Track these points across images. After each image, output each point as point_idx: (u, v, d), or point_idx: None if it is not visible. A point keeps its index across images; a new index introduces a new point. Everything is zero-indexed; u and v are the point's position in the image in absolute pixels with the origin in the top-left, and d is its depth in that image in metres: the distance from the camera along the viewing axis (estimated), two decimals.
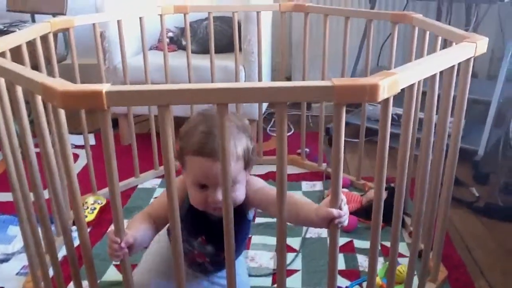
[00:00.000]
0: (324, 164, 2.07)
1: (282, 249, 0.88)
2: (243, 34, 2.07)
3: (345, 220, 0.86)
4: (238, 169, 1.00)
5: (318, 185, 1.96)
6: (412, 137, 1.34)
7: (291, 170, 2.09)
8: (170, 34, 2.44)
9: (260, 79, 2.01)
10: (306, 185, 1.97)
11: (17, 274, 1.45)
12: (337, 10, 1.81)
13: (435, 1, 2.27)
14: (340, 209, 0.85)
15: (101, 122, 0.78)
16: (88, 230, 1.41)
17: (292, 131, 2.55)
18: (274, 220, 1.65)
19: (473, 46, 1.05)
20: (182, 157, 1.02)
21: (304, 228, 1.63)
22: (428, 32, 1.41)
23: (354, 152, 2.14)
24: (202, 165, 0.97)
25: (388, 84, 0.78)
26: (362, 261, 1.48)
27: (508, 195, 1.81)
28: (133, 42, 2.11)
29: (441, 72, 0.98)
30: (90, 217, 1.67)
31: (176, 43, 2.46)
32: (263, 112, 2.20)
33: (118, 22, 1.70)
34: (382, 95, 0.77)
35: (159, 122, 0.79)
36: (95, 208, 1.71)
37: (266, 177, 1.99)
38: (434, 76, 0.98)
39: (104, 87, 0.75)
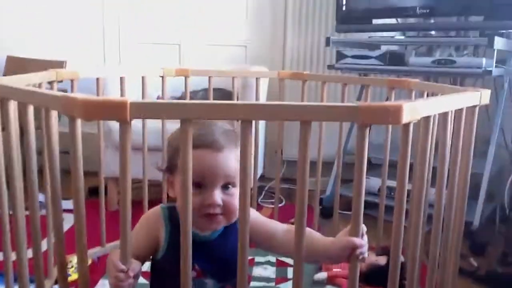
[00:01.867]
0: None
1: None
2: (240, 100, 2.12)
3: (366, 251, 0.82)
4: (238, 164, 0.88)
5: None
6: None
7: None
8: None
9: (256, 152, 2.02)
10: None
11: None
12: (335, 77, 1.88)
13: (422, 76, 2.38)
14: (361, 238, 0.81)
15: (122, 135, 0.76)
16: None
17: (283, 203, 2.52)
18: (271, 284, 1.59)
19: (477, 95, 1.09)
20: (173, 162, 0.92)
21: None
22: (426, 93, 1.46)
23: (348, 224, 2.11)
24: (200, 158, 0.86)
25: (410, 108, 0.79)
26: None
27: (507, 265, 1.77)
28: None
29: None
30: (74, 276, 1.57)
31: None
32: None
33: (121, 79, 1.73)
34: (405, 118, 0.78)
35: (179, 137, 0.76)
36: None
37: None
38: (446, 114, 1.00)
39: (128, 98, 0.74)
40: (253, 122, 0.78)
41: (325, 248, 0.88)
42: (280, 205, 2.42)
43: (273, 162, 2.63)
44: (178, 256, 0.80)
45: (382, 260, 1.63)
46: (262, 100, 2.29)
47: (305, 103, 0.76)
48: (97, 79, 1.67)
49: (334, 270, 1.65)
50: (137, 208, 1.99)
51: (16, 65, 2.73)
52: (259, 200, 2.59)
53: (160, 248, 0.95)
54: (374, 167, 2.67)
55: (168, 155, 0.96)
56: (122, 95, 1.76)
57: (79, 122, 0.80)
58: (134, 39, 2.94)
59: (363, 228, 0.82)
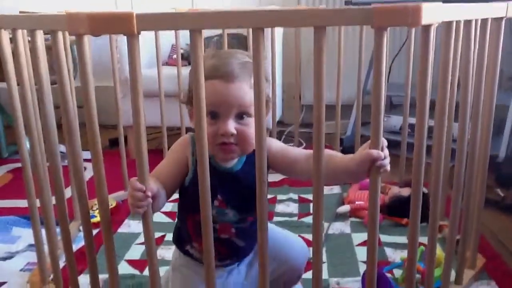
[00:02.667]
0: None
1: (318, 219, 0.80)
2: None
3: (387, 163, 0.80)
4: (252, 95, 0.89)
5: (335, 189, 1.90)
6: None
7: None
8: (181, 51, 2.44)
9: (273, 97, 1.99)
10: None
11: (21, 270, 1.36)
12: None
13: None
14: (382, 151, 0.78)
15: (130, 49, 0.73)
16: (97, 230, 1.35)
17: (304, 146, 2.50)
18: (293, 219, 1.60)
19: (504, 5, 1.03)
20: (191, 94, 0.90)
21: (326, 224, 1.55)
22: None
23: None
24: (215, 88, 0.88)
25: (431, 9, 0.74)
26: (391, 253, 1.41)
27: None
28: (143, 56, 2.09)
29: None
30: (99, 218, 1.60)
31: (187, 59, 2.45)
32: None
33: None
34: (425, 18, 0.73)
35: (190, 48, 0.74)
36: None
37: (281, 182, 1.96)
38: (469, 22, 0.95)
39: (134, 11, 0.71)
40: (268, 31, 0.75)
41: (344, 165, 0.85)
42: (300, 147, 2.41)
43: (291, 107, 2.60)
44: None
45: (405, 192, 1.61)
46: (278, 52, 2.23)
47: (318, 7, 0.72)
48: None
49: (357, 202, 1.64)
50: (158, 156, 2.01)
51: None
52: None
53: (188, 173, 0.95)
54: (395, 107, 2.62)
55: (188, 86, 0.95)
56: None
57: (86, 40, 0.77)
58: None
59: (383, 141, 0.79)
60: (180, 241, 1.05)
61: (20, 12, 2.76)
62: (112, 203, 1.69)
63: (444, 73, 0.91)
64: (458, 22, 1.01)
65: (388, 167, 0.80)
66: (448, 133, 1.31)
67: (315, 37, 0.74)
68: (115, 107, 1.80)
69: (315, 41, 0.74)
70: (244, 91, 0.89)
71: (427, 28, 0.78)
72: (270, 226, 0.90)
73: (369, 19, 0.72)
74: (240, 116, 0.90)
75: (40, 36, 0.92)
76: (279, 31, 2.27)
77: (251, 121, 0.90)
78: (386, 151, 0.79)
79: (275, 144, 0.99)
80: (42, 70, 0.95)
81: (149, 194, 0.80)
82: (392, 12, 0.72)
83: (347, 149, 2.26)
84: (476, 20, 1.01)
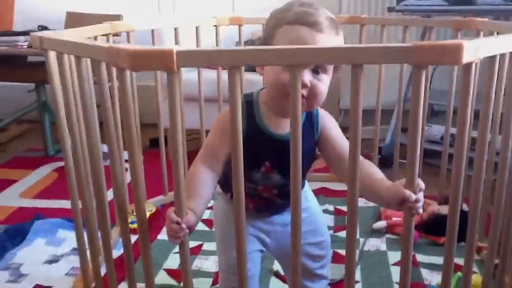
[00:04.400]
0: None
1: (352, 233, 0.80)
2: None
3: (420, 206, 0.79)
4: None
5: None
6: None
7: (343, 186, 2.02)
8: None
9: None
10: (360, 201, 1.88)
11: (66, 274, 1.43)
12: (395, 20, 1.78)
13: (492, 16, 2.21)
14: (415, 193, 0.77)
15: (170, 84, 0.75)
16: (137, 236, 1.39)
17: None
18: (329, 232, 1.58)
19: None
20: (269, 34, 0.92)
21: (362, 240, 1.54)
22: (496, 33, 1.35)
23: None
24: (300, 34, 0.86)
25: (472, 47, 0.72)
26: (427, 275, 1.38)
27: None
28: None
29: None
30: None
31: None
32: None
33: (175, 29, 1.73)
34: (466, 57, 0.72)
35: (228, 84, 0.75)
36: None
37: (318, 192, 1.94)
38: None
39: (174, 47, 0.73)
40: None
41: (379, 190, 0.85)
42: None
43: (330, 111, 2.58)
44: (252, 152, 0.85)
45: (444, 210, 1.58)
46: None
47: (355, 45, 0.72)
48: (152, 30, 1.68)
49: (394, 219, 1.63)
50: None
51: (76, 20, 2.80)
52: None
53: None
54: (436, 114, 2.56)
55: (263, 32, 0.96)
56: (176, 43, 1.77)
57: (128, 73, 0.80)
58: None
59: (420, 184, 0.78)
60: (229, 187, 0.98)
61: (67, 13, 2.85)
62: (152, 209, 1.73)
63: (486, 106, 0.89)
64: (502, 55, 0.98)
65: (420, 211, 0.79)
66: (492, 146, 1.27)
67: (352, 75, 0.74)
68: (155, 107, 1.83)
69: (353, 79, 0.74)
70: (328, 44, 0.88)
71: (468, 66, 0.77)
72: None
73: (409, 57, 0.71)
74: (316, 70, 0.89)
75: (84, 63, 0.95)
76: None
77: (325, 78, 0.90)
78: (421, 195, 0.78)
79: (330, 123, 1.00)
80: (86, 92, 0.98)
81: (184, 226, 0.81)
82: (431, 50, 0.71)
83: (386, 157, 2.24)
84: None
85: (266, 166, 0.98)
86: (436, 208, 1.63)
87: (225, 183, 1.04)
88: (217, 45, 1.92)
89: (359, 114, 0.75)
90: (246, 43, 2.43)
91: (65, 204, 1.79)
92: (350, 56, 0.72)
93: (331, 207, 1.82)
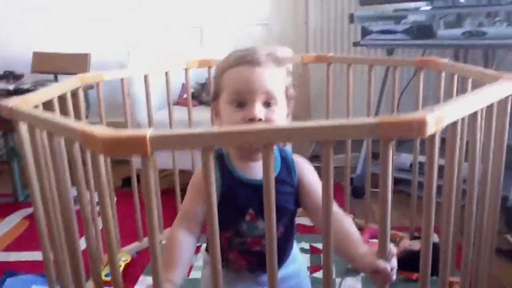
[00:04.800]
0: (351, 215, 2.02)
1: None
2: None
3: (393, 274, 0.81)
4: (278, 80, 0.94)
5: None
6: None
7: None
8: (191, 90, 2.48)
9: None
10: None
11: None
12: (360, 59, 1.83)
13: (452, 49, 2.29)
14: (387, 260, 0.79)
15: (144, 169, 0.76)
16: None
17: None
18: None
19: (509, 85, 1.03)
20: (218, 87, 0.96)
21: (338, 280, 1.56)
22: (456, 76, 1.41)
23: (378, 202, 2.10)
24: (241, 73, 0.92)
25: (436, 119, 0.76)
26: None
27: None
28: (153, 99, 2.13)
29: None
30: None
31: (197, 98, 2.49)
32: None
33: (145, 76, 1.73)
34: (430, 129, 0.75)
35: (202, 165, 0.76)
36: (120, 266, 1.67)
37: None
38: (475, 114, 0.96)
39: (148, 131, 0.73)
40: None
41: (354, 254, 0.87)
42: None
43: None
44: (233, 202, 0.88)
45: (416, 245, 1.62)
46: None
47: (322, 122, 0.74)
48: (122, 79, 1.68)
49: None
50: (170, 196, 2.00)
51: (43, 61, 2.78)
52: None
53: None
54: (403, 142, 2.62)
55: (214, 83, 0.99)
56: (147, 94, 1.77)
57: (102, 157, 0.80)
58: (155, 24, 2.92)
59: (392, 250, 0.80)
60: None
61: (34, 53, 2.81)
62: (127, 258, 1.71)
63: (451, 169, 0.93)
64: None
65: (394, 278, 0.81)
66: (459, 174, 1.29)
67: (323, 152, 0.76)
68: None
69: (324, 155, 0.76)
70: (270, 77, 0.92)
71: (431, 137, 0.80)
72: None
73: (376, 132, 0.74)
74: (267, 103, 0.92)
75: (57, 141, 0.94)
76: None
77: (277, 109, 0.93)
78: (394, 262, 0.80)
79: (307, 169, 1.00)
80: (59, 167, 0.98)
81: None
82: (398, 125, 0.74)
83: (358, 188, 2.28)
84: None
85: (250, 214, 0.98)
86: (407, 243, 1.66)
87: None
88: (187, 85, 1.93)
89: (330, 189, 0.77)
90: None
91: (39, 256, 1.75)
92: (321, 133, 0.74)
93: (306, 245, 1.84)
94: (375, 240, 1.79)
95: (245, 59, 0.92)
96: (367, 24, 2.18)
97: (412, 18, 2.18)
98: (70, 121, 0.85)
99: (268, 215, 0.77)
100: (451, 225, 0.98)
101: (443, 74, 1.53)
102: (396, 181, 2.00)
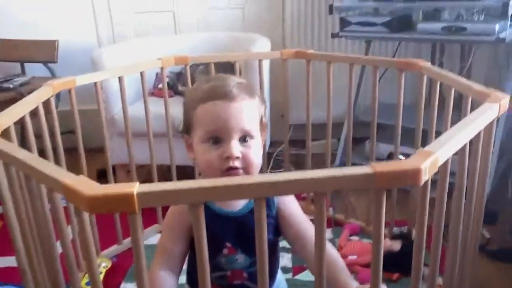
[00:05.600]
0: (330, 209, 2.03)
1: None
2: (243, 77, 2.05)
3: None
4: (254, 113, 0.91)
5: (327, 233, 1.90)
6: None
7: None
8: (166, 79, 2.41)
9: None
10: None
11: None
12: (340, 57, 1.80)
13: (429, 43, 2.28)
14: None
15: (132, 226, 0.73)
16: None
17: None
18: (288, 275, 1.61)
19: (496, 107, 1.03)
20: (189, 122, 0.93)
21: None
22: (438, 83, 1.40)
23: (359, 195, 2.11)
24: (216, 110, 0.88)
25: (429, 166, 0.75)
26: None
27: None
28: (128, 90, 2.06)
29: None
30: (100, 276, 1.60)
31: (172, 88, 2.42)
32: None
33: (120, 78, 1.67)
34: (424, 177, 0.74)
35: (192, 221, 0.74)
36: (100, 272, 1.64)
37: None
38: (464, 147, 0.95)
39: (134, 187, 0.70)
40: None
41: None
42: None
43: (279, 126, 2.59)
44: (210, 236, 0.81)
45: (396, 245, 1.64)
46: (265, 82, 2.21)
47: (316, 172, 0.72)
48: (95, 84, 1.60)
49: (350, 257, 1.67)
50: None
51: (9, 48, 2.65)
52: (268, 169, 2.58)
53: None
54: (384, 131, 2.61)
55: (183, 116, 0.96)
56: (122, 95, 1.70)
57: (86, 214, 0.76)
58: (126, 9, 2.80)
59: None
60: (194, 284, 1.02)
61: (0, 40, 2.66)
62: (107, 264, 1.68)
63: (440, 210, 0.93)
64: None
65: None
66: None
67: (316, 202, 0.75)
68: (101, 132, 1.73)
69: (316, 205, 0.75)
70: (246, 111, 0.90)
71: (425, 184, 0.79)
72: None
73: (370, 182, 0.73)
74: (244, 138, 0.90)
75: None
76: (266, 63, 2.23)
77: (253, 143, 0.91)
78: None
79: (286, 199, 0.98)
80: (38, 210, 0.94)
81: None
82: (392, 175, 0.73)
83: None
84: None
85: (228, 248, 0.97)
86: (388, 244, 1.69)
87: (190, 280, 1.04)
88: (163, 83, 1.87)
89: (323, 241, 0.76)
90: (193, 67, 2.38)
91: (13, 261, 1.70)
92: (314, 185, 0.73)
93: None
94: (356, 238, 1.83)
95: (216, 94, 0.88)
96: (346, 15, 2.14)
97: (391, 12, 2.14)
98: (51, 168, 0.80)
99: (260, 272, 0.76)
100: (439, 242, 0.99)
101: (425, 77, 1.52)
102: None
